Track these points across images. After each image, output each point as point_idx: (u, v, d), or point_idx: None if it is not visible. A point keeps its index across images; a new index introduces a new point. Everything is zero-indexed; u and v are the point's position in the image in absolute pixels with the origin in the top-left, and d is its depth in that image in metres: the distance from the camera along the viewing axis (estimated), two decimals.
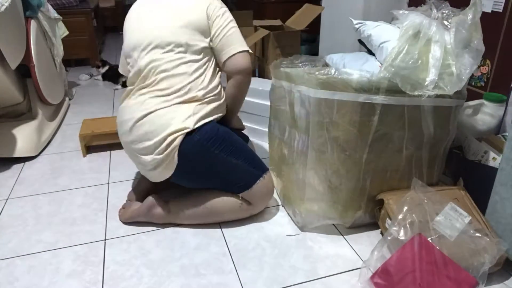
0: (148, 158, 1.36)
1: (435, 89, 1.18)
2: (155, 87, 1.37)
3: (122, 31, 1.56)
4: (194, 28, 1.39)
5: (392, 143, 1.30)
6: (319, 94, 1.24)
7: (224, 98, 1.46)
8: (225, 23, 1.42)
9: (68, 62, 3.45)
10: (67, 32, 2.76)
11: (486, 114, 1.63)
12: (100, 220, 1.52)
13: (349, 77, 1.22)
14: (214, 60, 1.45)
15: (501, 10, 1.85)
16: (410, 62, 1.19)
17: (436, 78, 1.17)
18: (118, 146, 2.08)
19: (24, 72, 2.11)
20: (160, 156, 1.33)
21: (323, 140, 1.29)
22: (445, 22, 1.24)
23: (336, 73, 1.22)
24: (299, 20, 2.77)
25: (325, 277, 1.24)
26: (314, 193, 1.37)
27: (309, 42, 3.51)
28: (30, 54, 2.07)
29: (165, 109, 1.34)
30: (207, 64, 1.41)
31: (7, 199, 1.66)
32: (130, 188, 1.70)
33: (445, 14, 1.25)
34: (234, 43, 1.42)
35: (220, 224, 1.47)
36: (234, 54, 1.41)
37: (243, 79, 1.44)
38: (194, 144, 1.32)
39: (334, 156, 1.30)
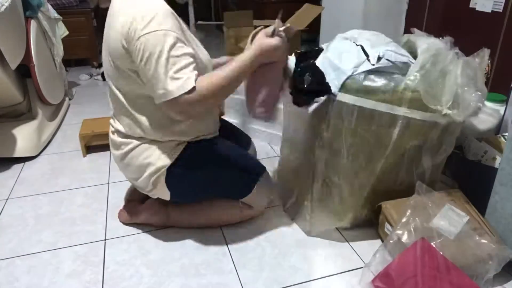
0: (140, 187, 1.37)
1: (452, 109, 1.20)
2: None
3: None
4: None
5: (404, 153, 1.29)
6: (341, 97, 1.21)
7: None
8: None
9: (68, 62, 3.45)
10: (67, 32, 2.76)
11: (486, 114, 1.63)
12: (100, 220, 1.52)
13: (374, 84, 1.20)
14: None
15: (501, 10, 1.85)
16: (432, 77, 1.20)
17: (451, 101, 1.19)
18: None
19: (24, 72, 2.11)
20: (151, 192, 1.34)
21: (339, 146, 1.27)
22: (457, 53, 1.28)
23: (361, 77, 1.20)
24: (299, 20, 2.76)
25: (325, 277, 1.24)
26: (323, 199, 1.37)
27: (309, 42, 3.51)
28: (30, 54, 2.07)
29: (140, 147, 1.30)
30: None
31: (7, 199, 1.66)
32: (130, 188, 1.70)
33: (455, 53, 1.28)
34: None
35: None
36: None
37: None
38: (178, 174, 1.29)
39: (347, 164, 1.29)
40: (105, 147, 2.06)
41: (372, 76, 1.21)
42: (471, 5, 2.01)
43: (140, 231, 1.45)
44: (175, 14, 1.17)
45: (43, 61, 2.26)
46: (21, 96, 2.08)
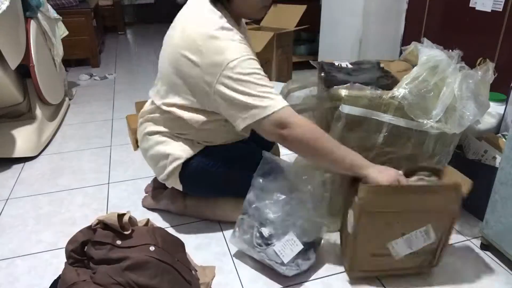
0: (156, 174, 1.42)
1: (438, 122, 1.19)
2: None
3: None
4: None
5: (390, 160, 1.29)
6: (328, 105, 1.25)
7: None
8: None
9: (68, 62, 3.45)
10: (66, 32, 2.76)
11: (486, 113, 1.63)
12: None
13: (360, 92, 1.21)
14: None
15: (501, 10, 1.85)
16: (423, 90, 1.20)
17: (442, 113, 1.19)
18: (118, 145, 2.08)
19: (24, 72, 2.11)
20: (166, 181, 1.38)
21: None
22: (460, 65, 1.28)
23: (349, 85, 1.22)
24: (276, 19, 2.82)
25: (325, 277, 1.24)
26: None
27: (309, 42, 3.52)
28: (30, 54, 2.07)
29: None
30: None
31: (7, 199, 1.66)
32: (130, 188, 1.70)
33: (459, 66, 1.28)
34: None
35: (220, 224, 1.47)
36: None
37: None
38: (192, 169, 1.32)
39: None
40: None
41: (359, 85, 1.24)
42: (471, 4, 2.00)
43: None
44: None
45: (43, 61, 2.26)
46: (21, 96, 2.08)
